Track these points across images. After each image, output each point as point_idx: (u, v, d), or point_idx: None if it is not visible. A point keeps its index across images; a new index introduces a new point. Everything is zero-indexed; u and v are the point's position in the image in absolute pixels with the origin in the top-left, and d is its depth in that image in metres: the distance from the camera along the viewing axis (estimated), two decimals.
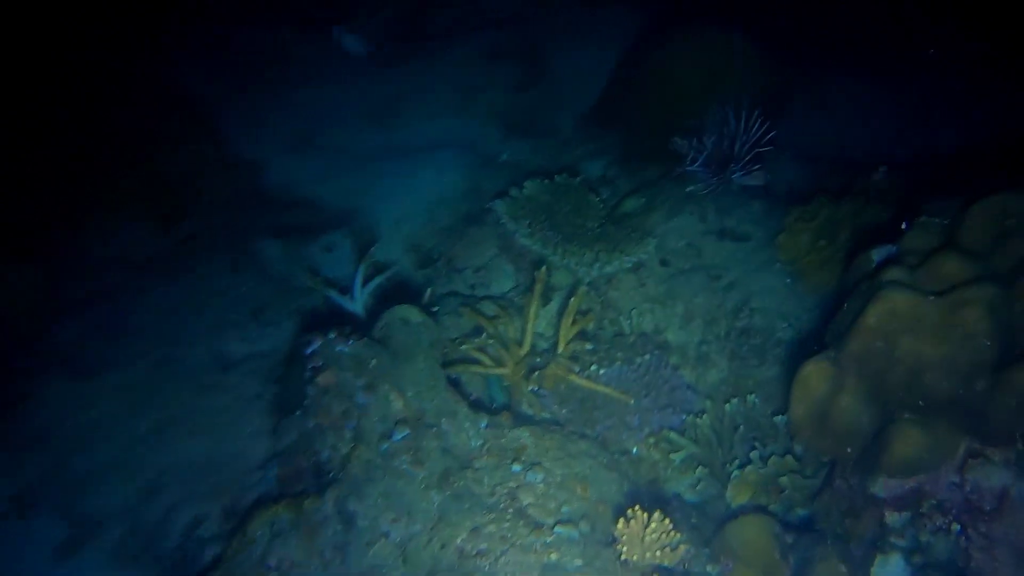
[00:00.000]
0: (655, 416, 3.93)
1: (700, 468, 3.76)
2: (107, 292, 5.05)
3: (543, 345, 4.28)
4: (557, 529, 3.11)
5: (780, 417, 3.74)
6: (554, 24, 6.71)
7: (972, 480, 2.66)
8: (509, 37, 6.64)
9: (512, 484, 3.29)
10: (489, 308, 4.37)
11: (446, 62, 6.56)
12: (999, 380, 2.63)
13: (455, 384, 3.90)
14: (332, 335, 3.59)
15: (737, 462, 3.68)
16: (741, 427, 3.78)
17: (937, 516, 2.74)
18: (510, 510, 3.16)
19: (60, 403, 4.31)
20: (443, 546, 3.03)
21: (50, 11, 6.14)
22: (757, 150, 4.05)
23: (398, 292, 4.73)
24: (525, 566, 2.93)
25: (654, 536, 3.00)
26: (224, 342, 4.60)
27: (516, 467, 3.36)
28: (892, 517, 2.85)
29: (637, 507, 3.04)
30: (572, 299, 3.93)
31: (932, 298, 2.80)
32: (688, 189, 4.34)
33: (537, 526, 3.10)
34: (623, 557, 3.02)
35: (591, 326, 4.32)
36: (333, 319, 4.25)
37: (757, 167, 4.14)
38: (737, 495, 3.57)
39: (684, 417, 3.95)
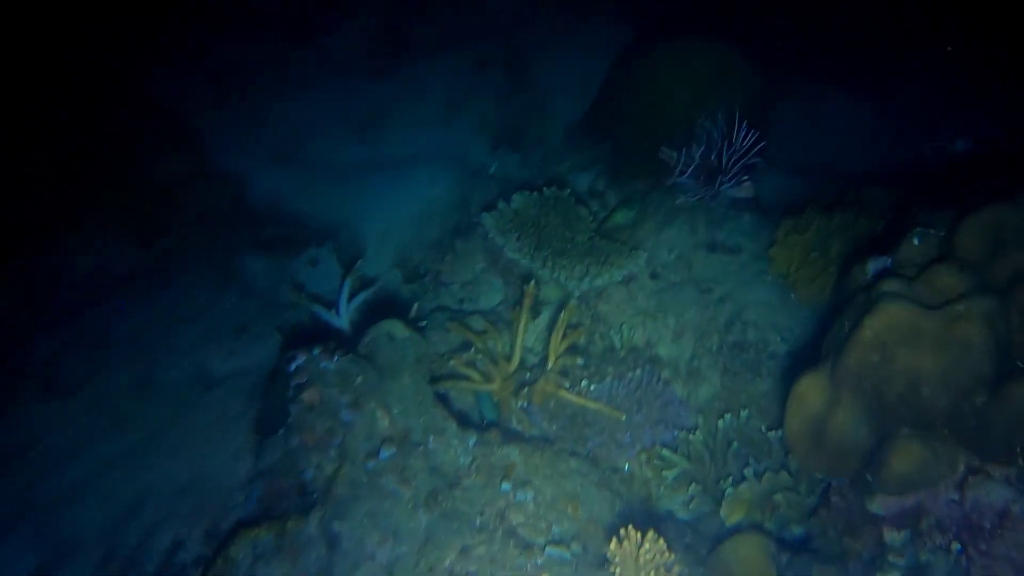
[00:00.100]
0: (647, 432, 3.87)
1: (693, 485, 3.69)
2: (85, 307, 4.93)
3: (533, 360, 4.21)
4: (548, 550, 3.04)
5: (774, 432, 3.69)
6: (542, 35, 6.67)
7: (972, 497, 2.62)
8: (497, 47, 6.60)
9: (501, 503, 3.22)
10: (477, 323, 4.31)
11: (433, 72, 6.51)
12: (999, 394, 2.58)
13: (444, 400, 3.83)
14: (317, 351, 3.53)
15: (731, 479, 3.62)
16: (735, 443, 3.72)
17: (937, 534, 2.69)
18: (500, 530, 3.10)
19: (34, 422, 4.18)
20: (431, 568, 2.96)
21: (29, 20, 6.05)
22: (745, 161, 4.01)
23: (385, 307, 4.65)
24: None
25: (648, 556, 2.91)
26: (206, 358, 4.49)
27: (505, 486, 3.29)
28: (891, 535, 2.81)
29: (630, 526, 2.97)
30: (562, 313, 3.87)
31: (930, 310, 2.76)
32: (677, 201, 4.30)
33: (527, 547, 3.04)
34: None
35: (581, 340, 4.26)
36: (318, 335, 4.17)
37: (746, 178, 4.10)
38: (732, 513, 3.52)
39: (676, 433, 3.88)
